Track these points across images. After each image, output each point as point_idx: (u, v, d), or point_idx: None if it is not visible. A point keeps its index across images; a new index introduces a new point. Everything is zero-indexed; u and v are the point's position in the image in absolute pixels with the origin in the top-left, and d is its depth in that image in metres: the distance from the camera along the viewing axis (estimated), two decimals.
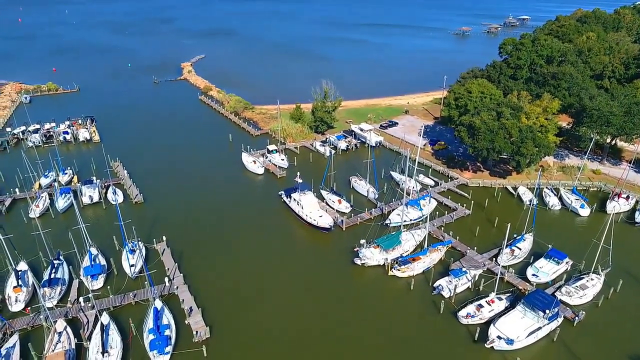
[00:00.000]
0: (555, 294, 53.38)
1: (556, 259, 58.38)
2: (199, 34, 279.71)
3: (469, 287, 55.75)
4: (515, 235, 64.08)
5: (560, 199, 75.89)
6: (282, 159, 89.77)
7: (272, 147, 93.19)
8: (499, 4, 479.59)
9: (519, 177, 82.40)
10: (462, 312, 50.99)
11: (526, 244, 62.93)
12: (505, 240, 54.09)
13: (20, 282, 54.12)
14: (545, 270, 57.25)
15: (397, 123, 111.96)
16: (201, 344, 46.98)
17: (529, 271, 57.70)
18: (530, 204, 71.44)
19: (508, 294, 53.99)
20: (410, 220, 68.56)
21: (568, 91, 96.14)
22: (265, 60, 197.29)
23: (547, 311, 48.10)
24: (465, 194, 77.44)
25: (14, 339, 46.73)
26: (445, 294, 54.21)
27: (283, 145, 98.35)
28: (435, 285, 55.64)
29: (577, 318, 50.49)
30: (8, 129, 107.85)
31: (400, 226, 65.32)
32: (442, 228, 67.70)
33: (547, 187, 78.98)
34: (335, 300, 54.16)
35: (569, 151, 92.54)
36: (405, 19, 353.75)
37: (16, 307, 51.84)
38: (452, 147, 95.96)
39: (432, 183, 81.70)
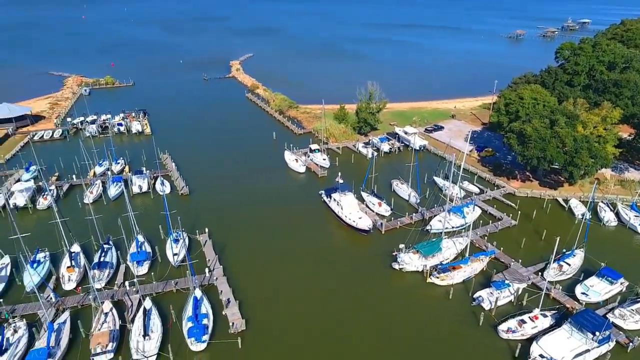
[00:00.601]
0: (607, 315, 50.24)
1: (609, 279, 54.96)
2: (248, 32, 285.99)
3: (511, 300, 53.61)
4: (564, 250, 60.96)
5: (617, 214, 71.40)
6: (324, 159, 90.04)
7: (314, 146, 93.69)
8: (557, 6, 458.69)
9: (572, 189, 78.35)
10: (503, 327, 49.08)
11: (576, 260, 59.67)
12: (554, 254, 51.53)
13: (73, 263, 57.43)
14: (596, 289, 54.03)
15: (442, 127, 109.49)
16: (236, 335, 47.90)
17: (578, 289, 54.62)
18: (582, 218, 67.77)
19: (554, 312, 51.38)
20: (452, 227, 66.81)
21: (631, 100, 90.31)
22: (311, 59, 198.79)
23: (597, 333, 45.29)
24: (512, 204, 74.53)
25: (66, 315, 49.59)
26: (486, 305, 52.38)
27: (325, 145, 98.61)
28: (475, 296, 53.89)
29: (631, 344, 47.17)
30: (69, 119, 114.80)
31: (441, 233, 63.82)
32: (486, 237, 65.47)
33: (602, 201, 74.56)
34: (371, 303, 53.63)
35: (630, 164, 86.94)
36: (454, 21, 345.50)
37: (68, 286, 55.00)
38: (500, 155, 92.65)
39: (477, 190, 79.25)
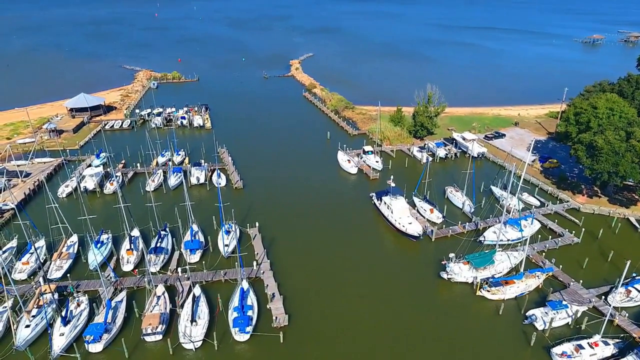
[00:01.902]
0: None
1: None
2: (309, 31, 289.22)
3: (568, 323, 50.14)
4: (634, 275, 56.06)
5: None
6: (377, 161, 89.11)
7: (368, 148, 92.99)
8: None
9: None
10: (557, 350, 46.01)
11: None
12: (622, 278, 47.57)
13: (132, 246, 61.04)
14: None
15: (504, 135, 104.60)
16: (279, 330, 48.61)
17: None
18: None
19: (617, 340, 47.41)
20: (508, 240, 63.64)
21: None
22: (371, 60, 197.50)
23: None
24: (576, 220, 69.68)
25: (122, 294, 52.81)
26: (539, 325, 49.39)
27: (379, 147, 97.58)
28: (528, 314, 50.99)
29: None
30: (137, 111, 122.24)
31: (495, 245, 60.99)
32: (544, 254, 61.68)
33: None
34: (416, 311, 52.37)
35: None
36: (523, 24, 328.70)
37: (127, 268, 58.52)
38: (566, 167, 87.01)
39: (537, 203, 74.93)
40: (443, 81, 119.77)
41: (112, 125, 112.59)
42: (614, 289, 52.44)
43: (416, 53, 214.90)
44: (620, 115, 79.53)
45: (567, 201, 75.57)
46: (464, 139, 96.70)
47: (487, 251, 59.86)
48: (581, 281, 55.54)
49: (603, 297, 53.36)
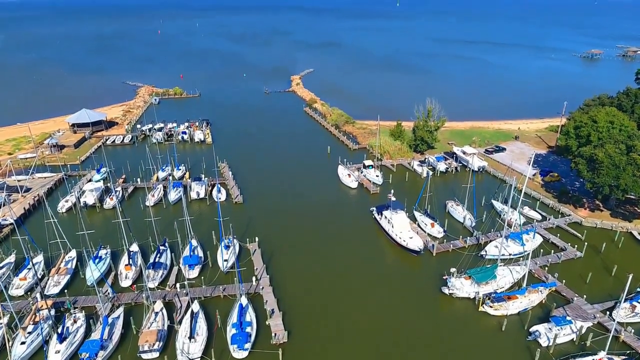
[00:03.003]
0: None
1: None
2: (310, 46, 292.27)
3: (572, 339, 49.25)
4: (638, 289, 55.34)
5: None
6: (377, 175, 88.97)
7: (368, 162, 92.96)
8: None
9: None
10: None
11: None
12: (625, 292, 46.84)
13: (130, 261, 60.61)
14: None
15: (504, 149, 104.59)
16: (278, 346, 47.86)
17: None
18: None
19: (623, 357, 46.50)
20: (510, 254, 63.07)
21: None
22: (370, 74, 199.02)
23: None
24: (578, 234, 69.09)
25: (120, 310, 52.22)
26: (543, 342, 48.53)
27: (380, 161, 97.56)
28: (531, 330, 50.16)
29: None
30: (138, 126, 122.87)
31: (497, 259, 60.38)
32: (546, 268, 61.01)
33: None
34: (417, 327, 51.60)
35: None
36: (521, 38, 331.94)
37: (125, 283, 57.99)
38: (567, 180, 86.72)
39: (539, 217, 74.45)
40: (443, 95, 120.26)
41: (114, 141, 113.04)
42: (618, 304, 51.67)
43: (416, 67, 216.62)
44: (620, 128, 79.56)
45: (569, 215, 75.06)
46: (464, 152, 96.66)
47: (488, 266, 59.26)
48: (585, 296, 54.76)
49: (608, 312, 52.57)
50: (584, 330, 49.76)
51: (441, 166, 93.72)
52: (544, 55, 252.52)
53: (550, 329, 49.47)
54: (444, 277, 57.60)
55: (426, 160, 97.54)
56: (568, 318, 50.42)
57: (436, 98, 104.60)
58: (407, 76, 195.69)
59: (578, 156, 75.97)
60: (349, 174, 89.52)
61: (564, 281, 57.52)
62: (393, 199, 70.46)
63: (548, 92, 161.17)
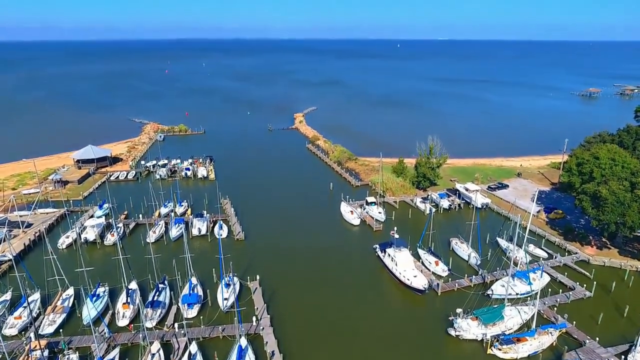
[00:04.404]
0: None
1: None
2: (313, 84, 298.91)
3: None
4: None
5: None
6: (380, 212, 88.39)
7: (371, 199, 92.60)
8: (636, 64, 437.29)
9: None
10: None
11: None
12: None
13: (129, 300, 59.21)
14: None
15: (507, 185, 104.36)
16: None
17: None
18: None
19: None
20: (517, 294, 61.43)
21: None
22: (372, 112, 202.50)
23: None
24: (586, 273, 67.56)
25: (115, 352, 50.44)
26: None
27: (382, 198, 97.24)
28: None
29: None
30: (142, 162, 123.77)
31: (503, 299, 58.77)
32: (555, 308, 59.25)
33: None
34: None
35: None
36: (519, 77, 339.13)
37: (122, 323, 56.40)
38: (572, 217, 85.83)
39: (545, 255, 73.14)
40: (444, 132, 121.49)
41: (117, 177, 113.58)
42: (633, 347, 49.72)
43: (416, 105, 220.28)
44: (623, 165, 79.49)
45: (576, 253, 73.75)
46: (467, 189, 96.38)
47: (495, 306, 57.62)
48: (597, 338, 52.77)
49: (622, 356, 50.49)
50: None
51: (444, 203, 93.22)
52: (542, 94, 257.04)
53: None
54: (450, 318, 55.89)
55: (429, 197, 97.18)
56: None
57: (437, 135, 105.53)
58: (408, 114, 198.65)
59: (582, 193, 75.53)
60: (351, 211, 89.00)
61: (574, 322, 55.66)
62: (396, 236, 69.61)
63: (548, 130, 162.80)
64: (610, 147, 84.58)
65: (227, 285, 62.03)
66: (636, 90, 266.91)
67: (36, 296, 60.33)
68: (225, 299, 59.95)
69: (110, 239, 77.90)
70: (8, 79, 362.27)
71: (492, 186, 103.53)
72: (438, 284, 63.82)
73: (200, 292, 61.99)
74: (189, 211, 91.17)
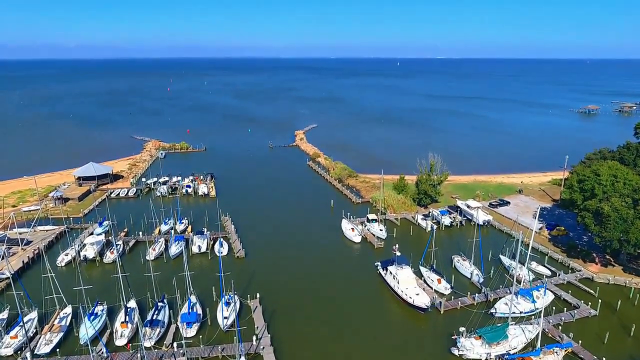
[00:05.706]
0: None
1: None
2: (313, 101, 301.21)
3: None
4: None
5: None
6: (381, 229, 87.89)
7: (372, 216, 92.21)
8: (634, 81, 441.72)
9: None
10: None
11: None
12: None
13: (127, 319, 58.36)
14: None
15: (508, 202, 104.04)
16: None
17: None
18: None
19: None
20: (520, 312, 60.58)
21: None
22: (372, 129, 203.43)
23: None
24: (591, 291, 66.71)
25: None
26: None
27: (383, 215, 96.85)
28: None
29: None
30: (143, 179, 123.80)
31: (507, 318, 57.91)
32: (560, 327, 58.30)
33: None
34: None
35: None
36: (517, 95, 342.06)
37: (120, 342, 55.48)
38: (574, 234, 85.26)
39: (548, 273, 72.37)
40: (444, 149, 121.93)
41: (118, 194, 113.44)
42: None
43: (416, 122, 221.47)
44: (624, 182, 79.36)
45: (580, 270, 73.01)
46: (468, 206, 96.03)
47: (499, 324, 56.73)
48: (604, 358, 51.79)
49: None
50: None
51: (446, 220, 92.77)
52: (541, 111, 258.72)
53: None
54: (453, 337, 54.97)
55: (430, 214, 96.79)
56: None
57: (438, 152, 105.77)
58: (408, 131, 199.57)
59: (584, 210, 75.20)
60: (352, 228, 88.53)
61: (580, 342, 54.67)
62: (398, 253, 69.05)
63: (549, 146, 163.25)
64: (612, 163, 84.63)
65: (227, 304, 61.26)
66: (635, 107, 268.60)
67: (33, 315, 59.53)
68: (226, 317, 59.12)
69: (109, 256, 77.31)
70: (11, 96, 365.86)
71: (494, 203, 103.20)
72: (440, 302, 62.99)
73: (200, 311, 61.16)
74: (189, 228, 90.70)
